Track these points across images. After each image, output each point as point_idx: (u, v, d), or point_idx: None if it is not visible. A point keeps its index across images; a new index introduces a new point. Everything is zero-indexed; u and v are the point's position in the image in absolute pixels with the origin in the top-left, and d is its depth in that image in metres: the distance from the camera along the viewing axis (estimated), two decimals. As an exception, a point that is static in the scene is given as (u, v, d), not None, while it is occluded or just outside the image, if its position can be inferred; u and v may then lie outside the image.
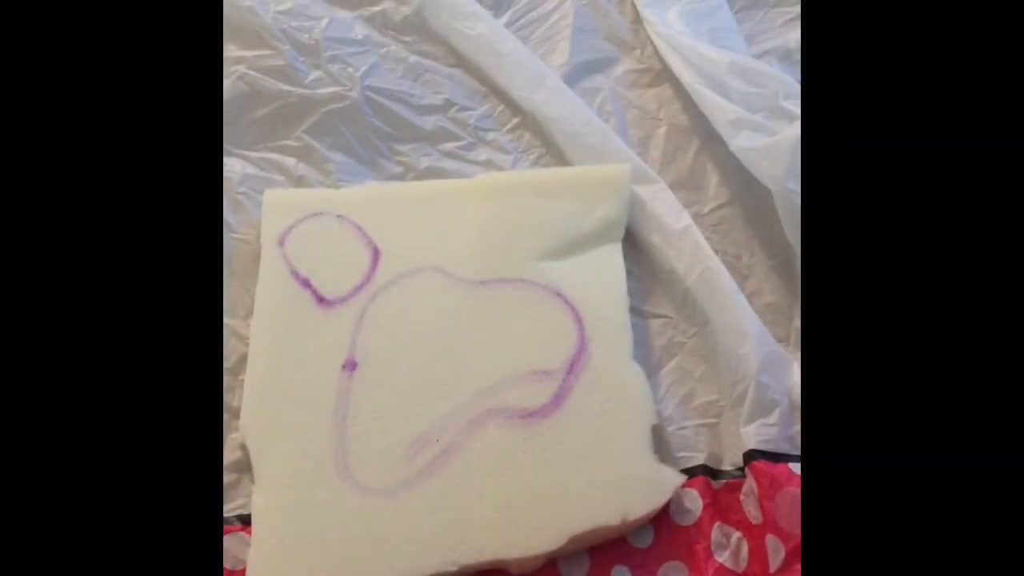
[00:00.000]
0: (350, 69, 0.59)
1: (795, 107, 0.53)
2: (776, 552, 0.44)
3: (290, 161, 0.57)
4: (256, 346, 0.49)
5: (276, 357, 0.49)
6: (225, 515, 0.47)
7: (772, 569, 0.44)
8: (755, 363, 0.48)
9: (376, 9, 0.63)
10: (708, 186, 0.57)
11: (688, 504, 0.47)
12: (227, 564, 0.45)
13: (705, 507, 0.47)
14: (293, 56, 0.59)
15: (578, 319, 0.50)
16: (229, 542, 0.45)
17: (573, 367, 0.49)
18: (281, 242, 0.52)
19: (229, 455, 0.48)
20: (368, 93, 0.59)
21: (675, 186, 0.56)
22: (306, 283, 0.51)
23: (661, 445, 0.48)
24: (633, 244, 0.55)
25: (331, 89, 0.59)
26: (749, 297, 0.53)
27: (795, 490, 0.44)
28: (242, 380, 0.49)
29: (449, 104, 0.60)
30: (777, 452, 0.47)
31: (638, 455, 0.47)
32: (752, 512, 0.46)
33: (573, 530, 0.44)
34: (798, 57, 0.61)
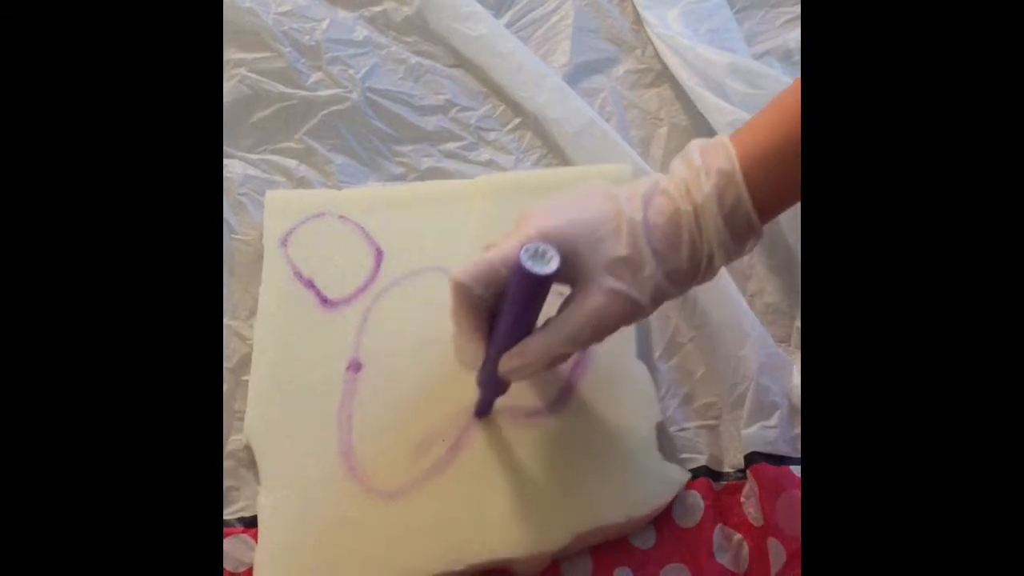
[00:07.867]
0: (351, 71, 0.59)
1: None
2: (778, 555, 0.44)
3: (291, 163, 0.57)
4: (260, 347, 0.49)
5: (280, 358, 0.49)
6: (227, 517, 0.46)
7: (773, 572, 0.44)
8: (755, 365, 0.48)
9: (377, 10, 0.63)
10: (710, 186, 0.57)
11: (690, 506, 0.47)
12: (229, 566, 0.45)
13: (707, 509, 0.47)
14: (294, 58, 0.59)
15: (581, 320, 0.50)
16: (231, 544, 0.46)
17: (577, 365, 0.49)
18: (284, 243, 0.52)
19: (231, 457, 0.48)
20: (369, 94, 0.59)
21: (677, 186, 0.56)
22: (310, 284, 0.51)
23: (666, 443, 0.49)
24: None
25: (332, 91, 0.59)
26: (751, 297, 0.53)
27: (797, 493, 0.44)
28: (244, 381, 0.49)
29: (450, 105, 0.60)
30: (778, 454, 0.47)
31: (643, 452, 0.47)
32: (753, 514, 0.46)
33: (579, 528, 0.44)
34: (798, 57, 0.62)
